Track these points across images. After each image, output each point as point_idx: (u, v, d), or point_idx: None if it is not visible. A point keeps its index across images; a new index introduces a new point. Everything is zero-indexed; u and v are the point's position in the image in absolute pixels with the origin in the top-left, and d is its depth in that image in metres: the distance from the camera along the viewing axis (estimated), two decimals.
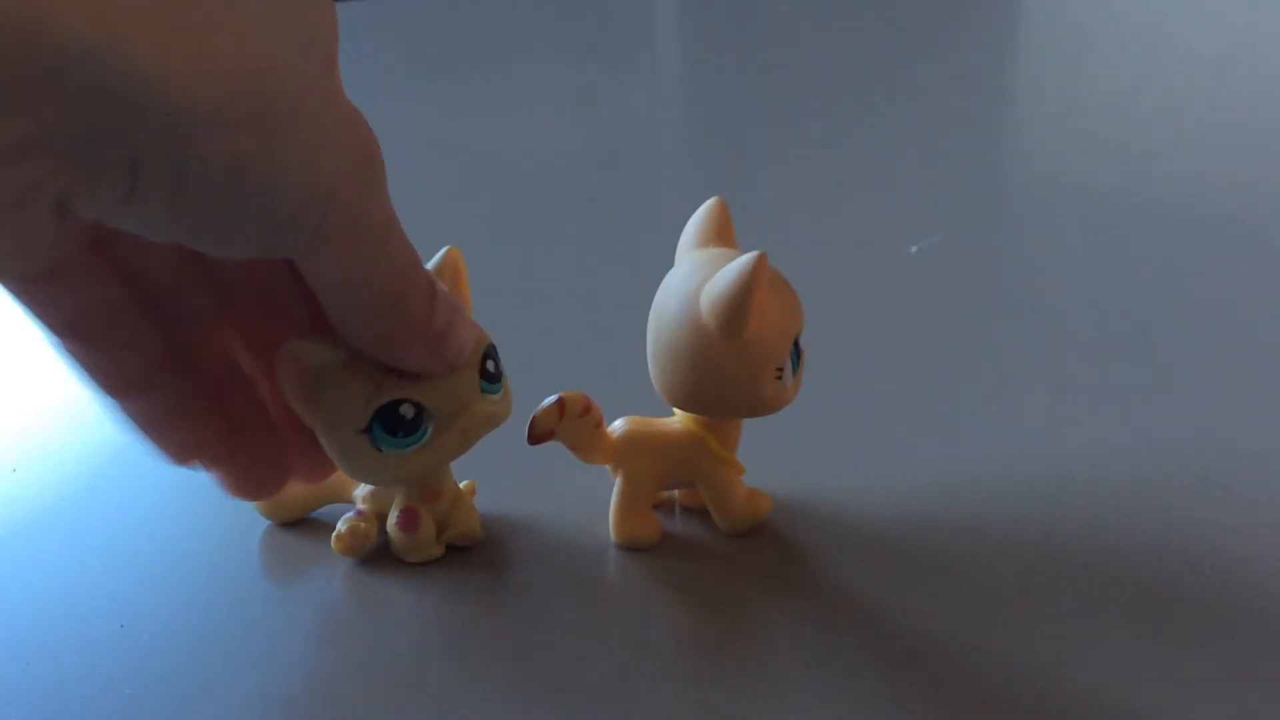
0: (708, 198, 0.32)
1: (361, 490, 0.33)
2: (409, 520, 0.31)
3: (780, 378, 0.29)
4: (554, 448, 0.31)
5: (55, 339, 0.26)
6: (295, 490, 0.33)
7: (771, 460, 0.34)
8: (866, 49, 0.91)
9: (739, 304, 0.28)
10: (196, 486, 0.36)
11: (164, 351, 0.27)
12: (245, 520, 0.33)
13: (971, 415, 0.38)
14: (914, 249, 0.52)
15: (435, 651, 0.29)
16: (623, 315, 0.47)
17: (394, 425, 0.27)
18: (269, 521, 0.33)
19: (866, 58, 0.89)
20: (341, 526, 0.31)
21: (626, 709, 0.26)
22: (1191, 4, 1.04)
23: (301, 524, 0.33)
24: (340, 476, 0.33)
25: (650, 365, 0.31)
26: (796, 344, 0.30)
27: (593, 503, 0.33)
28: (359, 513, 0.32)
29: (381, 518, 0.32)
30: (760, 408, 0.30)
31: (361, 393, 0.27)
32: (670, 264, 0.31)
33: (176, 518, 0.34)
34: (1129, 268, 0.50)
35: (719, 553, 0.32)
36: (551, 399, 0.31)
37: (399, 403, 0.27)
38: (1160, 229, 0.55)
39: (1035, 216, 0.58)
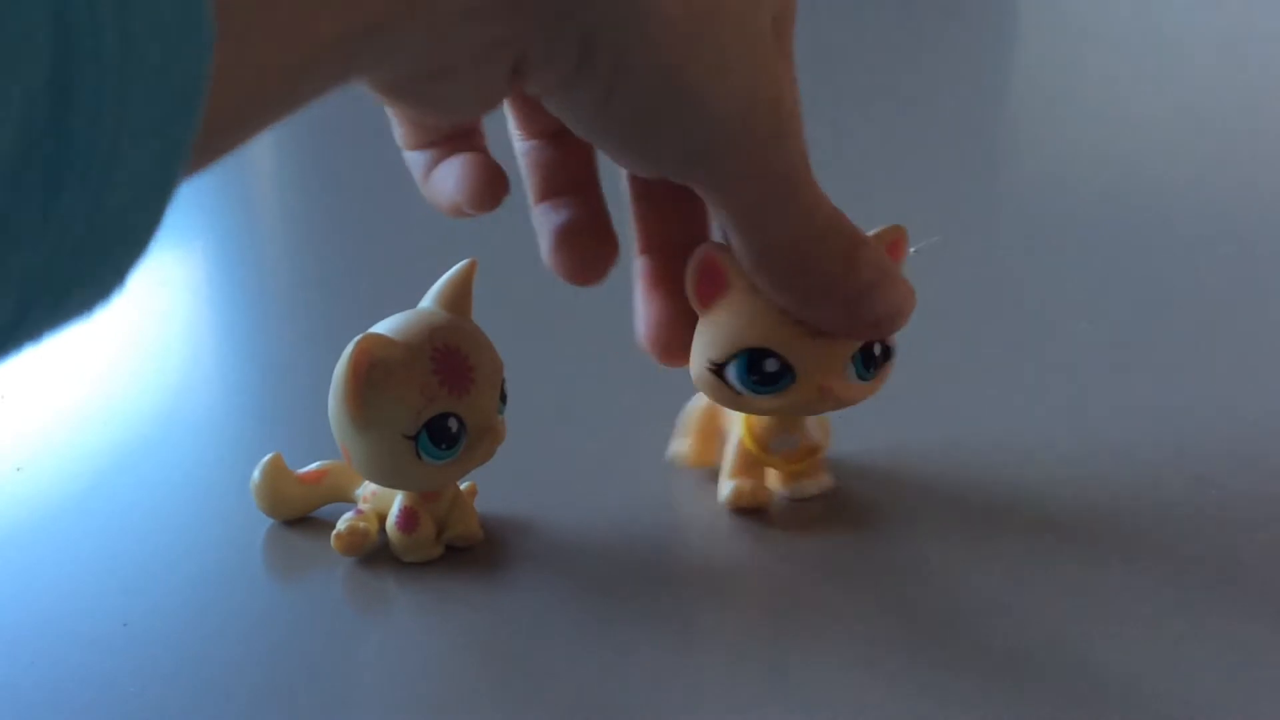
0: None
1: (363, 490, 0.33)
2: (408, 520, 0.31)
3: (716, 373, 0.29)
4: (553, 450, 0.31)
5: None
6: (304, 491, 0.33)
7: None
8: (864, 49, 0.91)
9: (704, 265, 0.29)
10: (199, 486, 0.36)
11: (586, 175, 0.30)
12: (247, 520, 0.33)
13: (970, 416, 0.38)
14: (912, 249, 0.52)
15: (435, 652, 0.29)
16: (621, 316, 0.47)
17: (439, 437, 0.29)
18: (271, 520, 0.33)
19: (864, 58, 0.89)
20: (341, 526, 0.32)
21: (625, 710, 0.27)
22: (1190, 4, 1.03)
23: (302, 523, 0.33)
24: (342, 475, 0.33)
25: None
26: (763, 361, 0.29)
27: (592, 503, 0.33)
28: (359, 512, 0.32)
29: (382, 517, 0.32)
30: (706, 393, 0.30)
31: (415, 400, 0.28)
32: None
33: (179, 517, 0.34)
34: (1128, 267, 0.50)
35: (726, 552, 0.32)
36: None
37: (447, 415, 0.28)
38: (1159, 229, 0.55)
39: (1034, 216, 0.58)
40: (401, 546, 0.31)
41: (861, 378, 0.29)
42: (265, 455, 0.33)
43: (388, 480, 0.30)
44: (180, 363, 0.45)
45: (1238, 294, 0.47)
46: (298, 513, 0.33)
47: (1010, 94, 0.86)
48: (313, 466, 0.34)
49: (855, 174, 0.64)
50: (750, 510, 0.33)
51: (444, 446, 0.29)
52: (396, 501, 0.31)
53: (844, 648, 0.28)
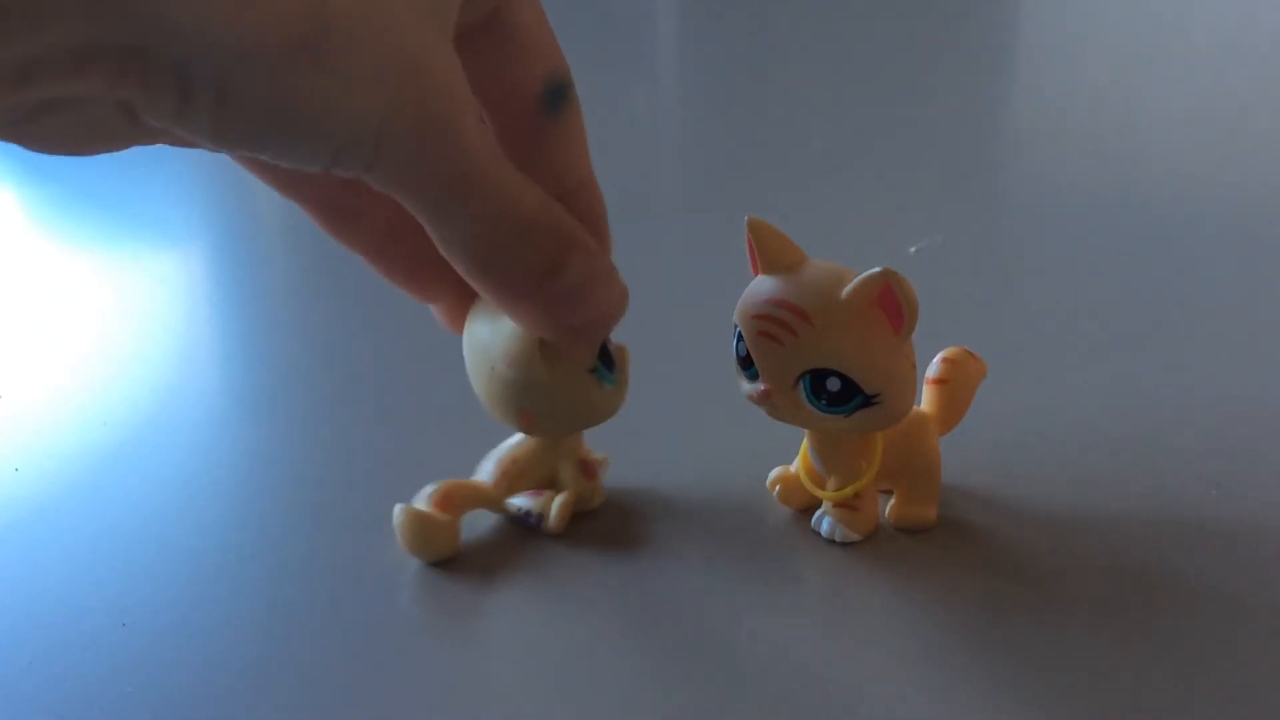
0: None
1: (493, 473, 0.33)
2: (587, 470, 0.33)
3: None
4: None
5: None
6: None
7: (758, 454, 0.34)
8: (866, 50, 0.91)
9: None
10: (198, 486, 0.36)
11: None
12: (245, 520, 0.33)
13: (970, 416, 0.38)
14: (913, 249, 0.52)
15: (437, 653, 0.29)
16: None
17: (608, 360, 0.31)
18: (268, 520, 0.33)
19: (866, 58, 0.89)
20: (556, 505, 0.32)
21: (637, 715, 0.27)
22: (1190, 4, 1.04)
23: (301, 524, 0.33)
24: (461, 488, 0.32)
25: None
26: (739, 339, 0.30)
27: (606, 512, 0.33)
28: (537, 492, 0.33)
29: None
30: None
31: None
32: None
33: (178, 517, 0.34)
34: (1128, 267, 0.50)
35: (729, 560, 0.32)
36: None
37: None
38: (1159, 228, 0.55)
39: (1034, 216, 0.58)
40: (588, 493, 0.33)
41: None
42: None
43: (579, 418, 0.31)
44: (180, 363, 0.45)
45: (1240, 293, 0.47)
46: (450, 549, 0.32)
47: (1012, 93, 0.86)
48: (430, 492, 0.32)
49: (859, 173, 0.64)
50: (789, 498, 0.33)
51: (611, 369, 0.31)
52: (567, 478, 0.33)
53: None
